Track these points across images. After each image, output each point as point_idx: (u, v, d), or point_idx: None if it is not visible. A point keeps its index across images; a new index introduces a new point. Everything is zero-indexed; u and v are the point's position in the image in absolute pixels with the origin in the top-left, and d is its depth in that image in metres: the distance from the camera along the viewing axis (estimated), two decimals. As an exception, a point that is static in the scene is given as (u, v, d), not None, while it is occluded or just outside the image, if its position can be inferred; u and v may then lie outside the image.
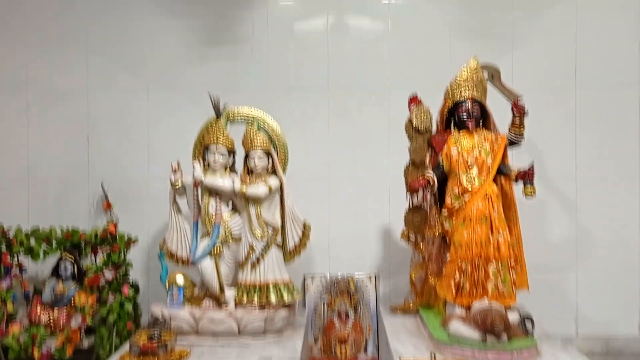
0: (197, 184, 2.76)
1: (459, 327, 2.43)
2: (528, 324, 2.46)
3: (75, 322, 2.83)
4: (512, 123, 2.72)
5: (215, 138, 2.79)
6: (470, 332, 2.39)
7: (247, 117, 2.94)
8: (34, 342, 2.75)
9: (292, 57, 3.50)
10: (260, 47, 3.50)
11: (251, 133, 2.83)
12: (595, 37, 3.42)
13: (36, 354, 2.73)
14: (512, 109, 2.71)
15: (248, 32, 3.50)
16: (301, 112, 3.49)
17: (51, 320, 2.89)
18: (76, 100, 3.52)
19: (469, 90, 2.74)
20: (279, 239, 2.80)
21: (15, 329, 2.79)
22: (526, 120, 2.70)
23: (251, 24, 3.50)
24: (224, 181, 2.76)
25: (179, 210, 2.87)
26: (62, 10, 3.52)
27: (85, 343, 2.88)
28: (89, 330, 2.94)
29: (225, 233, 2.77)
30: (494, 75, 3.08)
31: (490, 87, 2.92)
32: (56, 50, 3.52)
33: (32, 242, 3.09)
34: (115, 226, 3.15)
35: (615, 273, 3.40)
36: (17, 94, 3.52)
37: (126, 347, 2.50)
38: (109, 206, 3.38)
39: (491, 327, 2.34)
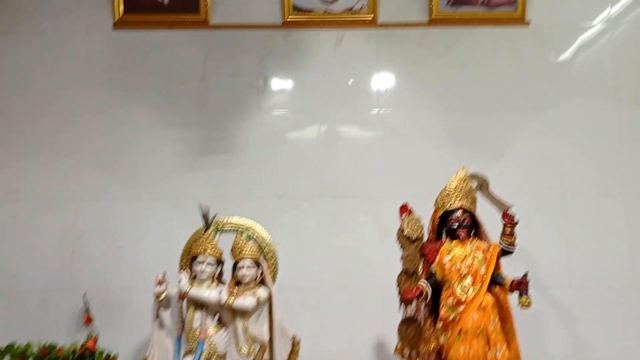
0: (182, 296, 2.68)
1: None
2: None
3: None
4: (503, 232, 2.72)
5: (203, 248, 2.75)
6: None
7: (237, 226, 2.93)
8: None
9: (284, 165, 3.56)
10: (252, 155, 3.56)
11: (240, 242, 2.79)
12: (579, 146, 3.53)
13: None
14: (503, 219, 2.72)
15: (241, 141, 3.58)
16: (292, 220, 3.48)
17: None
18: (65, 210, 3.51)
19: (458, 199, 2.77)
20: (266, 356, 2.67)
21: None
22: (517, 229, 2.69)
23: (244, 133, 3.59)
24: (210, 293, 2.68)
25: (161, 325, 2.75)
26: (57, 120, 3.60)
27: None
28: None
29: (210, 351, 2.64)
30: (483, 184, 3.12)
31: (479, 197, 2.95)
32: (49, 161, 3.56)
33: (7, 359, 2.94)
34: (95, 341, 3.02)
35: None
36: (7, 203, 3.52)
37: None
38: (89, 320, 3.26)
39: None
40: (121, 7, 3.67)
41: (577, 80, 3.61)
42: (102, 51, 3.66)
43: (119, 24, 3.68)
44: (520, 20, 3.66)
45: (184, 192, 3.48)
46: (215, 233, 2.87)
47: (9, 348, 2.95)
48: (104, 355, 2.99)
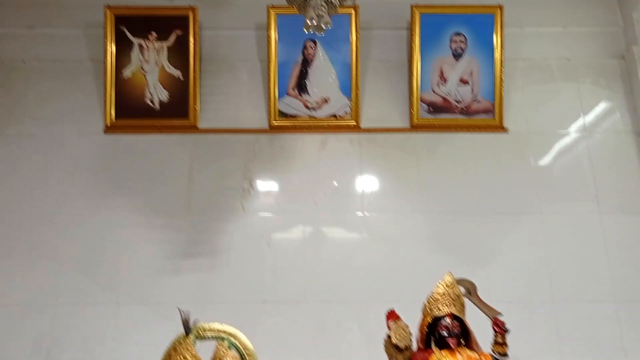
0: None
1: None
2: None
3: None
4: (495, 342, 2.64)
5: (182, 357, 2.62)
6: None
7: (218, 333, 2.81)
8: None
9: (268, 268, 3.52)
10: (236, 258, 3.53)
11: (221, 351, 2.67)
12: (564, 251, 3.55)
13: None
14: (493, 327, 2.66)
15: (225, 243, 3.57)
16: (275, 326, 3.39)
17: None
18: (40, 315, 3.39)
19: (447, 305, 2.71)
20: None
21: None
22: (508, 338, 2.61)
23: (229, 235, 3.58)
24: (187, 409, 2.52)
25: None
26: (40, 222, 3.58)
27: None
28: None
29: None
30: (471, 290, 3.07)
31: (468, 303, 2.90)
32: (26, 262, 3.50)
33: None
34: None
35: None
36: (-22, 310, 3.40)
37: None
38: None
39: None
40: (113, 113, 3.78)
41: (559, 184, 3.70)
42: (92, 154, 3.73)
43: (110, 129, 3.77)
44: (499, 127, 3.81)
45: (165, 296, 3.40)
46: (196, 340, 2.75)
47: None
48: None
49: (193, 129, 3.79)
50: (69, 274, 3.48)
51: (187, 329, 2.75)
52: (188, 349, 2.66)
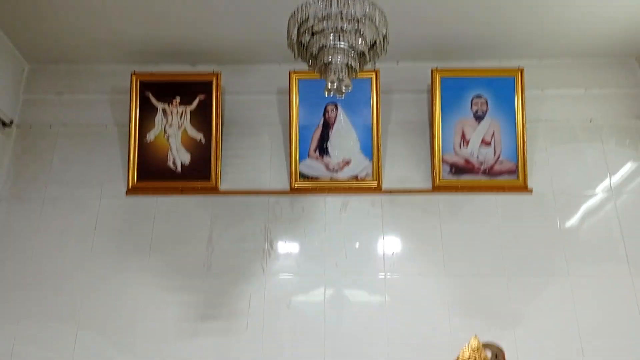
0: None
1: None
2: None
3: None
4: (524, 408, 2.65)
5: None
6: None
7: (237, 398, 2.88)
8: None
9: (288, 331, 3.58)
10: (255, 321, 3.61)
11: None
12: (594, 313, 3.54)
13: None
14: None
15: (244, 306, 3.65)
16: (296, 393, 3.42)
17: None
18: (58, 378, 3.48)
19: (473, 371, 2.74)
20: None
21: None
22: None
23: (248, 298, 3.67)
24: None
25: None
26: (60, 284, 3.72)
27: None
28: None
29: None
30: (498, 354, 3.09)
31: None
32: (45, 325, 3.62)
33: None
34: None
35: None
36: (-3, 371, 3.52)
37: None
38: None
39: None
40: (135, 175, 3.99)
41: (586, 246, 3.75)
42: (113, 217, 3.91)
43: (131, 191, 3.97)
44: (523, 188, 3.91)
45: (182, 359, 3.46)
46: (214, 405, 2.82)
47: None
48: None
49: (214, 190, 3.96)
50: (87, 335, 3.58)
51: (205, 393, 2.83)
52: (206, 413, 2.73)
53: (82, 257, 3.80)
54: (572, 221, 3.85)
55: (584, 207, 3.88)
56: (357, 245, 3.83)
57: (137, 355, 3.54)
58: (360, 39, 2.67)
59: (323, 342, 3.55)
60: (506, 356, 3.18)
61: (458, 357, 2.80)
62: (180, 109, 4.08)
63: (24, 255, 3.81)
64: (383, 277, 3.73)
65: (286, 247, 3.84)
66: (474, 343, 2.83)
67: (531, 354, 3.39)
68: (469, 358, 2.78)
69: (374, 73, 4.00)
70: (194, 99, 4.09)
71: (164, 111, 4.09)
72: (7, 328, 3.62)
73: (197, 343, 3.55)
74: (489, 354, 2.93)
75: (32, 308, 3.66)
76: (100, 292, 3.70)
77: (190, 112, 4.08)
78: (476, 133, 4.01)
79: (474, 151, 3.98)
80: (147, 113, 4.07)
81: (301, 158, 4.00)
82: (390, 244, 3.83)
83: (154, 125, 4.06)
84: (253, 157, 4.07)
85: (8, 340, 3.58)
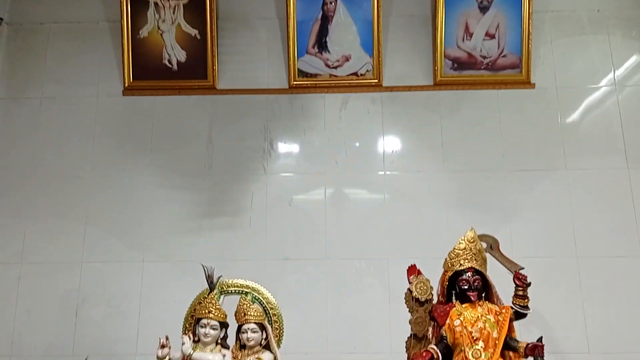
0: (185, 359, 2.75)
1: None
2: None
3: None
4: (516, 294, 2.77)
5: (207, 311, 2.85)
6: None
7: (241, 288, 3.03)
8: None
9: (290, 227, 3.70)
10: (258, 218, 3.72)
11: (244, 305, 2.88)
12: (590, 207, 3.65)
13: None
14: (514, 280, 2.78)
15: (247, 203, 3.75)
16: (297, 283, 3.59)
17: None
18: (69, 272, 3.65)
19: (468, 260, 2.84)
20: (272, 419, 2.71)
21: None
22: (531, 291, 2.76)
23: (250, 196, 3.76)
24: (213, 357, 2.75)
25: (165, 389, 2.81)
26: (64, 183, 3.82)
27: None
28: None
29: (215, 412, 2.70)
30: (493, 245, 3.23)
31: (490, 258, 3.04)
32: (54, 222, 3.75)
33: None
34: (95, 408, 3.07)
35: None
36: (10, 265, 3.67)
37: None
38: (91, 385, 3.32)
39: None
40: (130, 74, 3.95)
41: (586, 141, 3.79)
42: (111, 116, 3.92)
43: (128, 90, 3.95)
44: (526, 82, 3.87)
45: (188, 254, 3.62)
46: (220, 295, 2.97)
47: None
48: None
49: (212, 89, 3.94)
50: (95, 233, 3.72)
51: (211, 285, 2.97)
52: (212, 303, 2.88)
53: (83, 156, 3.86)
54: (573, 116, 3.85)
55: (586, 101, 3.87)
56: (357, 143, 3.87)
57: (144, 251, 3.68)
58: None
59: (324, 238, 3.68)
60: (501, 247, 3.32)
61: (454, 249, 2.90)
62: (173, 2, 3.95)
63: (26, 155, 3.87)
64: (383, 174, 3.80)
65: (286, 146, 3.88)
66: (470, 235, 2.93)
67: (525, 245, 3.52)
68: (465, 249, 2.88)
69: (374, -37, 3.83)
70: (186, -9, 3.95)
71: (156, 5, 3.97)
72: (17, 227, 3.74)
73: (202, 239, 3.68)
74: (484, 244, 3.04)
75: (40, 207, 3.77)
76: (105, 191, 3.79)
77: (183, 5, 3.96)
78: (480, 25, 3.91)
79: (477, 45, 3.91)
80: (138, 8, 3.95)
81: (299, 54, 3.93)
82: (390, 142, 3.86)
83: (146, 21, 3.96)
84: (250, 54, 4.00)
85: (18, 239, 3.72)
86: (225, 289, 3.02)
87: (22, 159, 3.86)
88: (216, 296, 2.93)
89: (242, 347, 2.81)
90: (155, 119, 3.91)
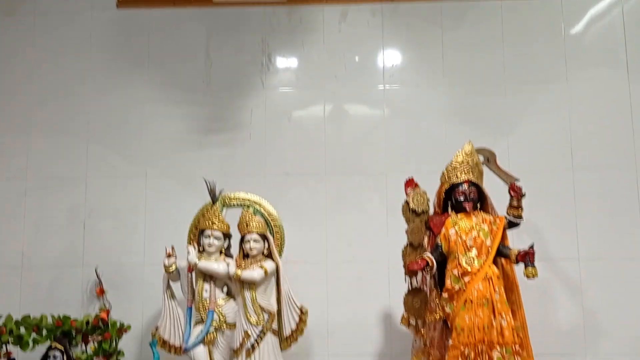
0: (191, 268, 2.90)
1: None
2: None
3: (64, 412, 2.88)
4: (510, 205, 2.87)
5: (210, 223, 2.97)
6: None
7: (243, 201, 3.14)
8: None
9: (289, 143, 3.75)
10: (257, 133, 3.76)
11: (247, 216, 3.00)
12: (588, 119, 3.67)
13: None
14: (510, 192, 2.86)
15: (246, 119, 3.78)
16: (298, 197, 3.68)
17: (40, 410, 2.94)
18: (74, 187, 3.74)
19: (465, 173, 2.91)
20: (274, 325, 2.89)
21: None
22: (524, 202, 2.85)
23: (249, 111, 3.78)
24: (218, 265, 2.90)
25: (172, 296, 3.00)
26: (63, 98, 3.83)
27: None
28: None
29: (220, 319, 2.87)
30: (490, 158, 3.30)
31: (486, 170, 3.12)
32: (56, 137, 3.79)
33: (22, 330, 3.18)
34: (108, 313, 3.25)
35: (626, 357, 3.42)
36: (17, 180, 3.75)
37: None
38: (102, 292, 3.49)
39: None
40: (124, -15, 3.87)
41: (588, 52, 3.75)
42: (106, 30, 3.88)
43: (122, 3, 3.88)
44: (530, -9, 3.79)
45: (190, 169, 3.68)
46: (222, 208, 3.08)
47: (24, 320, 3.19)
48: (117, 325, 3.21)
49: (208, 2, 3.86)
50: (97, 148, 3.77)
51: (214, 197, 3.07)
52: (215, 215, 3.00)
53: (81, 72, 3.85)
54: (577, 27, 3.80)
55: (590, 12, 3.80)
56: (356, 57, 3.84)
57: (147, 166, 3.75)
58: None
59: (324, 153, 3.73)
60: (498, 160, 3.40)
61: (452, 162, 2.97)
62: None
63: (23, 71, 3.85)
64: (382, 88, 3.80)
65: (284, 60, 3.86)
66: (467, 148, 2.99)
67: (522, 158, 3.58)
68: (462, 162, 2.95)
69: None
70: None
71: None
72: (19, 142, 3.79)
73: (203, 154, 3.73)
74: (481, 158, 3.11)
75: (41, 123, 3.80)
76: (104, 106, 3.81)
77: None
78: None
79: (481, -47, 3.80)
80: None
81: (296, -38, 3.83)
82: (390, 56, 3.84)
83: None
84: (245, -38, 3.90)
85: (22, 155, 3.78)
86: (227, 202, 3.13)
87: (20, 75, 3.85)
88: (219, 208, 3.04)
89: (246, 256, 2.96)
90: (152, 33, 3.86)
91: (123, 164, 3.76)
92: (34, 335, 3.17)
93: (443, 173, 2.99)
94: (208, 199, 3.10)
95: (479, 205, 2.93)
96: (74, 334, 3.19)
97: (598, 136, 3.64)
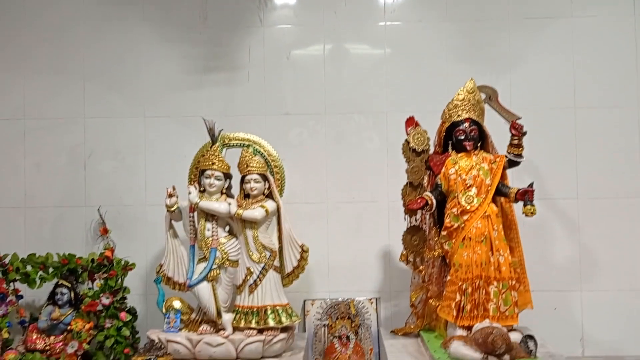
0: (192, 207, 2.94)
1: (459, 347, 2.54)
2: (530, 343, 2.58)
3: (72, 348, 2.99)
4: (511, 144, 2.87)
5: (210, 163, 2.98)
6: (472, 353, 2.50)
7: (243, 141, 3.15)
8: (30, 369, 2.91)
9: (289, 82, 3.72)
10: (256, 72, 3.72)
11: (247, 157, 3.02)
12: (592, 56, 3.62)
13: (33, 381, 2.88)
14: (511, 130, 2.86)
15: (244, 58, 3.73)
16: (298, 137, 3.69)
17: (47, 347, 3.06)
18: (73, 127, 3.73)
19: (466, 111, 2.92)
20: (276, 262, 2.97)
21: (11, 356, 2.94)
22: (525, 140, 2.86)
23: (247, 49, 3.74)
24: (220, 204, 2.94)
25: (175, 235, 3.06)
26: (58, 37, 3.77)
27: (82, 369, 3.04)
28: (86, 356, 3.10)
29: (222, 257, 2.94)
30: (492, 96, 3.28)
31: (488, 109, 3.11)
32: (53, 77, 3.75)
33: (29, 268, 3.26)
34: (112, 251, 3.33)
35: (621, 293, 3.53)
36: (15, 120, 3.74)
37: (123, 372, 2.65)
38: (105, 231, 3.56)
39: (492, 347, 2.46)
40: None
41: (595, -13, 3.67)
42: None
43: (115, -64, 3.76)
44: None
45: (189, 109, 3.67)
46: (222, 148, 3.09)
47: (30, 258, 3.27)
48: (122, 263, 3.30)
49: None
50: (95, 88, 3.74)
51: (213, 137, 3.07)
52: (215, 155, 3.01)
53: (74, 10, 3.76)
54: (586, -40, 3.70)
55: (602, -55, 3.69)
56: (357, -5, 3.75)
57: (145, 106, 3.74)
58: None
59: (323, 92, 3.71)
60: (499, 97, 3.38)
61: (453, 100, 2.97)
62: None
63: (16, 10, 3.78)
64: (383, 25, 3.73)
65: (282, -5, 3.78)
66: (469, 85, 2.98)
67: (524, 97, 3.56)
68: (464, 100, 2.94)
69: None
70: None
71: None
72: (15, 82, 3.76)
73: (201, 93, 3.71)
74: (483, 95, 3.09)
75: (37, 63, 3.75)
76: (99, 46, 3.76)
77: None
78: None
79: None
80: None
81: None
82: (390, -10, 3.75)
83: None
84: None
85: (19, 94, 3.76)
86: (227, 142, 3.14)
87: (12, 14, 3.77)
88: (219, 148, 3.05)
89: (246, 196, 2.99)
90: (143, -34, 3.77)
91: (121, 104, 3.74)
92: (40, 273, 3.26)
93: (444, 111, 2.99)
94: (208, 139, 3.11)
95: (479, 144, 2.94)
96: (79, 271, 3.28)
97: (601, 74, 3.61)
